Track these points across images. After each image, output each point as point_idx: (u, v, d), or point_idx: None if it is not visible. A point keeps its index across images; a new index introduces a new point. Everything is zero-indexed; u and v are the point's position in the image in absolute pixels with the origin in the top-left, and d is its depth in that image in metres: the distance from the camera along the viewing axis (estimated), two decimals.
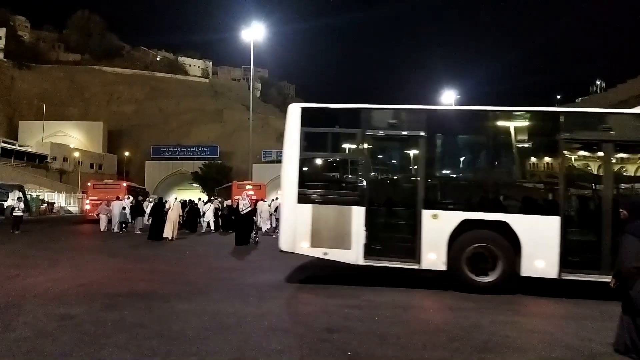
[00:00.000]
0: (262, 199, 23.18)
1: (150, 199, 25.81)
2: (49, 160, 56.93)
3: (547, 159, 7.96)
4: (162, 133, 72.63)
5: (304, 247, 7.70)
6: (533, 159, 8.13)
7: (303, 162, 7.98)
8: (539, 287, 7.57)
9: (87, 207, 26.69)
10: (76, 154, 59.85)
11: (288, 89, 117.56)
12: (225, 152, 64.14)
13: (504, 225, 7.20)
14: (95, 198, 25.36)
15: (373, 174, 8.16)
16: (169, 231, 15.89)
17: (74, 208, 44.22)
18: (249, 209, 15.23)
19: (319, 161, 8.52)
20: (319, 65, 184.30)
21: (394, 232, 7.92)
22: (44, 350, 4.30)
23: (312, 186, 7.93)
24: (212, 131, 72.79)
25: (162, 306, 6.20)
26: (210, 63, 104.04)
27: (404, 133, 7.99)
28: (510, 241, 7.20)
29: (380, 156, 8.82)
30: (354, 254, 7.54)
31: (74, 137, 66.41)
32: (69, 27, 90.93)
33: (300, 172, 7.85)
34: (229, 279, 8.53)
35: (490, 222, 7.25)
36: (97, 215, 20.85)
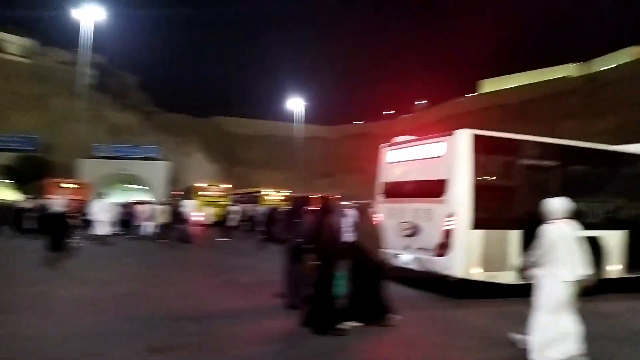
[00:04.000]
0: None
1: None
2: None
3: None
4: None
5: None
6: None
7: None
8: None
9: None
10: None
11: (129, 79, 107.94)
12: (47, 145, 55.78)
13: None
14: None
15: None
16: None
17: None
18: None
19: None
20: (165, 57, 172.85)
21: None
22: None
23: None
24: (30, 120, 62.58)
25: None
26: (35, 42, 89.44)
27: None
28: None
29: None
30: None
31: None
32: None
33: None
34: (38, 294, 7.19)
35: None
36: None
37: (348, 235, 6.09)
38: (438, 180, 8.16)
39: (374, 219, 6.59)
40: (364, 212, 6.43)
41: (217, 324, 5.89)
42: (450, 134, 8.22)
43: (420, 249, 8.42)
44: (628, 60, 64.62)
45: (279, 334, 5.62)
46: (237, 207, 25.20)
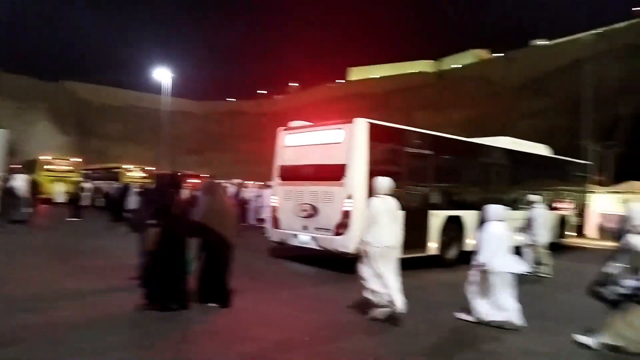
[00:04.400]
0: None
1: None
2: None
3: None
4: None
5: None
6: None
7: None
8: None
9: None
10: None
11: None
12: None
13: None
14: None
15: None
16: None
17: None
18: None
19: None
20: (4, 10, 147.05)
21: None
22: None
23: None
24: None
25: None
26: None
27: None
28: None
29: None
30: None
31: None
32: None
33: None
34: None
35: None
36: None
37: (196, 213, 5.93)
38: (336, 164, 8.62)
39: (225, 198, 6.54)
40: (213, 191, 6.24)
41: (60, 311, 5.22)
42: (348, 122, 8.71)
43: (318, 228, 8.84)
44: (472, 61, 73.77)
45: (122, 315, 5.26)
46: (90, 184, 22.82)
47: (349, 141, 8.54)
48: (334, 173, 8.60)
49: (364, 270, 5.57)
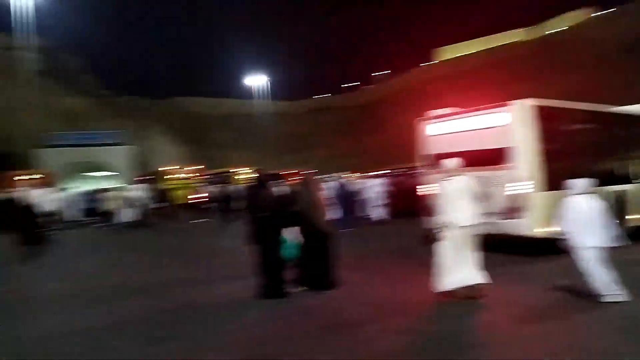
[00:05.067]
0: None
1: None
2: None
3: None
4: None
5: None
6: None
7: None
8: None
9: None
10: None
11: (76, 62, 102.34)
12: None
13: None
14: None
15: None
16: None
17: None
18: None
19: None
20: (114, 38, 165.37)
21: None
22: None
23: None
24: None
25: None
26: None
27: None
28: None
29: None
30: None
31: None
32: None
33: None
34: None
35: None
36: None
37: (295, 205, 6.36)
38: (499, 148, 8.49)
39: (317, 192, 6.83)
40: (307, 185, 6.66)
41: (213, 313, 5.85)
42: (510, 105, 8.59)
43: (488, 213, 8.85)
44: (573, 23, 66.95)
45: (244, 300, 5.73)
46: (209, 188, 24.80)
47: (514, 124, 8.39)
48: (497, 157, 8.50)
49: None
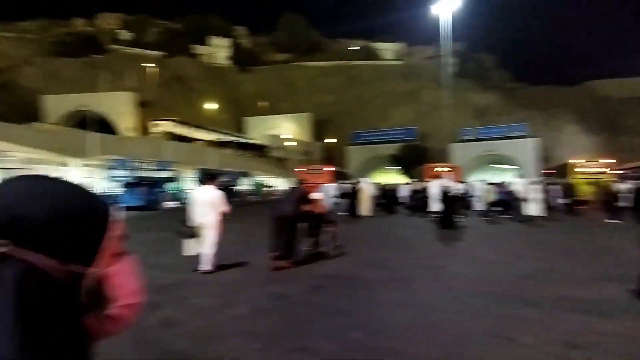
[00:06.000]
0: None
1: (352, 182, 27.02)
2: (268, 149, 65.33)
3: None
4: (360, 119, 75.68)
5: None
6: None
7: None
8: None
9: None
10: (289, 143, 67.25)
11: (488, 60, 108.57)
12: (422, 133, 63.17)
13: None
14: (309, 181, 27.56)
15: None
16: (364, 210, 18.60)
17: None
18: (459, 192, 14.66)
19: None
20: (523, 31, 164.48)
21: None
22: (256, 331, 4.55)
23: None
24: (406, 113, 72.63)
25: (366, 293, 6.09)
26: (404, 44, 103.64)
27: None
28: None
29: None
30: None
31: (287, 128, 74.62)
32: (278, 29, 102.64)
33: None
34: (435, 267, 8.03)
35: None
36: None
37: None
38: None
39: None
40: None
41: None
42: None
43: None
44: None
45: None
46: (627, 185, 20.94)
47: None
48: None
49: None
